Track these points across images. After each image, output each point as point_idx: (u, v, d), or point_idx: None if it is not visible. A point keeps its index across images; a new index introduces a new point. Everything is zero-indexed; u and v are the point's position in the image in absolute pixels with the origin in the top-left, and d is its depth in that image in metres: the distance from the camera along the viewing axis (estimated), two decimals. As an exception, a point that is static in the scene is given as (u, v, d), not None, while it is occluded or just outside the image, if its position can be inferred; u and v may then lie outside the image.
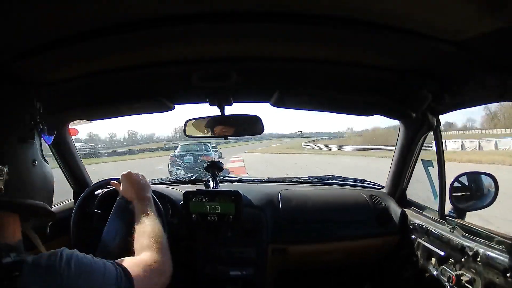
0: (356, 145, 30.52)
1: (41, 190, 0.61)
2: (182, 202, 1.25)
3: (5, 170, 0.52)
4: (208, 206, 1.24)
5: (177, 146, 12.79)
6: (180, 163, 10.64)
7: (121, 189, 1.05)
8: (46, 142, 0.68)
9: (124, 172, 1.04)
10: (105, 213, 1.29)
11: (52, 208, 0.66)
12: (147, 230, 0.81)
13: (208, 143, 12.07)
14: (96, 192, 1.28)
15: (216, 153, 12.57)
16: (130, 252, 0.84)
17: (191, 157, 11.04)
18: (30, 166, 0.58)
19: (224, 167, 1.58)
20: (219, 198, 1.23)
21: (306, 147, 33.61)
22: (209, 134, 1.25)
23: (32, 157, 0.59)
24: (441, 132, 1.17)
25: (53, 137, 0.74)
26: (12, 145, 0.56)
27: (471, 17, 0.60)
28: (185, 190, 1.26)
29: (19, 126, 0.57)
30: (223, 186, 1.51)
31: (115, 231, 1.15)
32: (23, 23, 0.60)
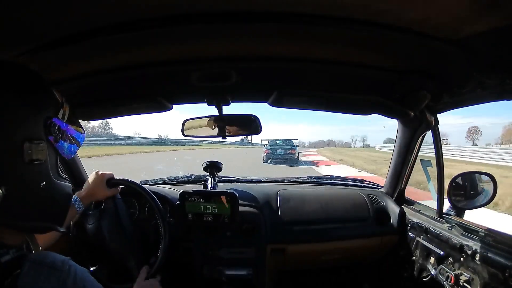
0: None
1: (52, 210, 0.55)
2: (178, 202, 1.25)
3: (0, 192, 0.45)
4: (203, 207, 1.23)
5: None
6: (273, 156, 14.82)
7: (142, 279, 1.03)
8: (65, 157, 0.58)
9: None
10: (103, 212, 1.29)
11: None
12: None
13: (293, 139, 16.64)
14: None
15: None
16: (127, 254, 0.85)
17: (282, 151, 15.03)
18: (37, 188, 0.51)
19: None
20: (214, 199, 1.23)
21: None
22: (207, 134, 1.24)
23: (41, 180, 0.51)
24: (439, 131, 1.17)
25: (74, 152, 0.62)
26: (16, 166, 0.48)
27: (469, 16, 0.59)
28: (181, 191, 1.26)
29: (26, 145, 0.48)
30: (221, 186, 1.51)
31: (117, 232, 1.16)
32: (20, 23, 0.60)
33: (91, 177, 1.12)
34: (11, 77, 0.50)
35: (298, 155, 15.74)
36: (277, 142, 15.76)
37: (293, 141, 16.66)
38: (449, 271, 1.00)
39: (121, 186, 1.19)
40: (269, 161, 14.60)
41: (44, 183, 0.52)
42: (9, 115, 0.47)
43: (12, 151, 0.47)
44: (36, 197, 0.51)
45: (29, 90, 0.51)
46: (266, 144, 16.04)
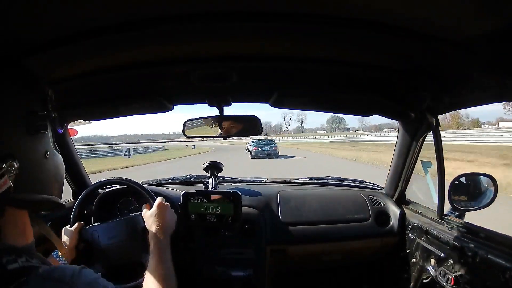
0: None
1: (53, 183, 0.57)
2: (181, 203, 1.25)
3: (16, 165, 0.47)
4: (206, 207, 1.23)
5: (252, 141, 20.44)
6: (260, 151, 18.42)
7: (146, 211, 1.02)
8: (58, 129, 0.62)
9: (162, 201, 1.02)
10: (104, 213, 1.29)
11: None
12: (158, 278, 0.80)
13: (275, 139, 22.44)
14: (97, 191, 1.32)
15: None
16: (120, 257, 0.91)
17: (267, 148, 18.87)
18: (42, 159, 0.53)
19: None
20: (217, 199, 1.23)
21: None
22: (208, 134, 1.24)
23: (45, 149, 0.54)
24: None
25: (63, 127, 0.69)
26: (23, 138, 0.50)
27: (470, 17, 0.60)
28: (184, 191, 1.26)
29: (29, 117, 0.51)
30: (222, 187, 1.51)
31: (114, 234, 1.16)
32: (20, 23, 0.60)
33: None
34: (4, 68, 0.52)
35: (278, 150, 19.72)
36: (261, 141, 19.79)
37: (274, 140, 22.20)
38: (449, 272, 1.00)
39: (77, 223, 1.19)
40: (256, 157, 17.95)
41: (48, 153, 0.54)
42: (8, 91, 0.50)
43: (18, 124, 0.49)
44: (42, 168, 0.53)
45: (20, 74, 0.54)
46: (253, 143, 19.52)
